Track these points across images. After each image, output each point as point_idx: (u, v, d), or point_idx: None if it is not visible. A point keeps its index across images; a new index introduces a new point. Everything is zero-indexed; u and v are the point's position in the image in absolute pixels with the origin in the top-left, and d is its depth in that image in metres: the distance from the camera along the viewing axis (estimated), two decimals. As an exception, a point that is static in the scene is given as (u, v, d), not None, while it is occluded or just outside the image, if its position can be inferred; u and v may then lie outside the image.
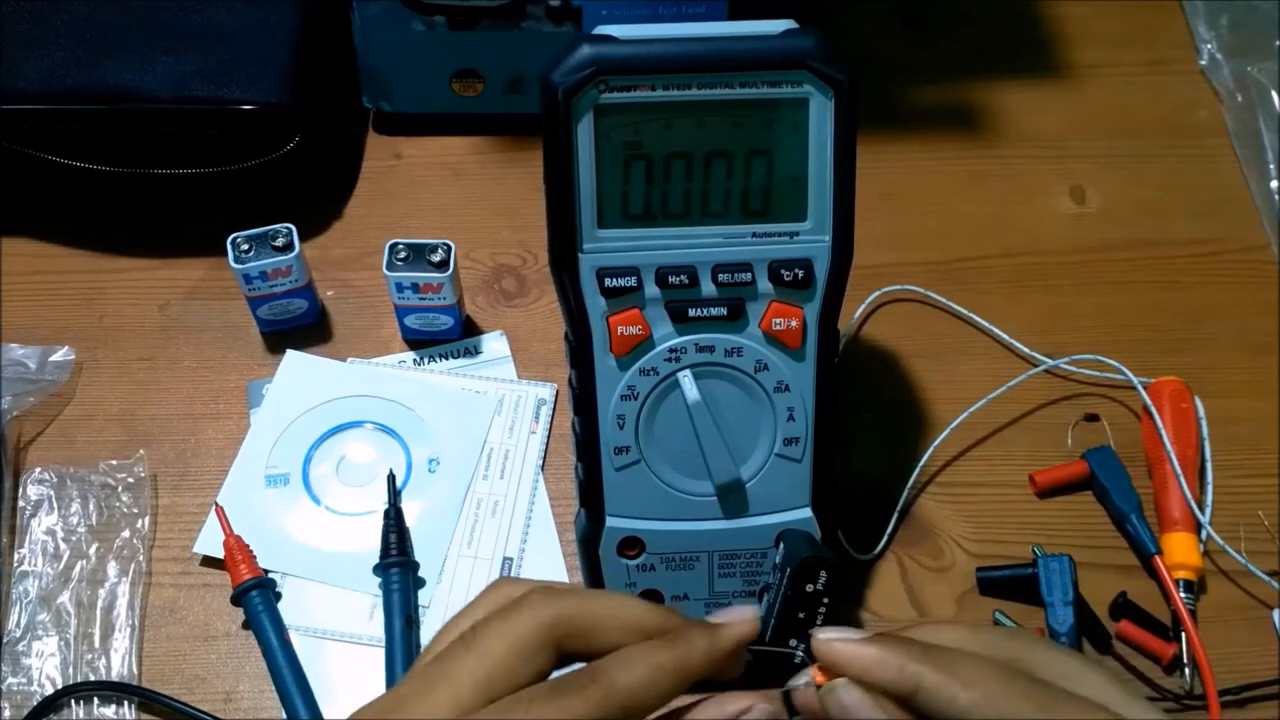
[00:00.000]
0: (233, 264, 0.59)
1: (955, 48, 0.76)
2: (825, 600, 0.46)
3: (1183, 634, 0.54)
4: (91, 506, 0.58)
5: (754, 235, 0.48)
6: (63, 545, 0.57)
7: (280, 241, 0.59)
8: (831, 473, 0.51)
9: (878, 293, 0.65)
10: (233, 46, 0.64)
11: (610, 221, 0.48)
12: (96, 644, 0.54)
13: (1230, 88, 0.73)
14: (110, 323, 0.64)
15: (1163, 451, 0.57)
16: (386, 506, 0.57)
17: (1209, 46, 0.75)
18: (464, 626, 0.38)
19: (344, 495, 0.58)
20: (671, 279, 0.48)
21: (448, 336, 0.63)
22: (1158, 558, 0.55)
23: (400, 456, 0.59)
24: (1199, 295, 0.66)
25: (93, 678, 0.53)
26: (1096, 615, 0.54)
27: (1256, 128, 0.71)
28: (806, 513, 0.51)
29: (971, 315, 0.64)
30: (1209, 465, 0.59)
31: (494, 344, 0.64)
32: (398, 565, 0.55)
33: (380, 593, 0.55)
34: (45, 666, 0.53)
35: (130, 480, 0.58)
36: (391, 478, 0.58)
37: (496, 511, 0.58)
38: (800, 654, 0.46)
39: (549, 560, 0.57)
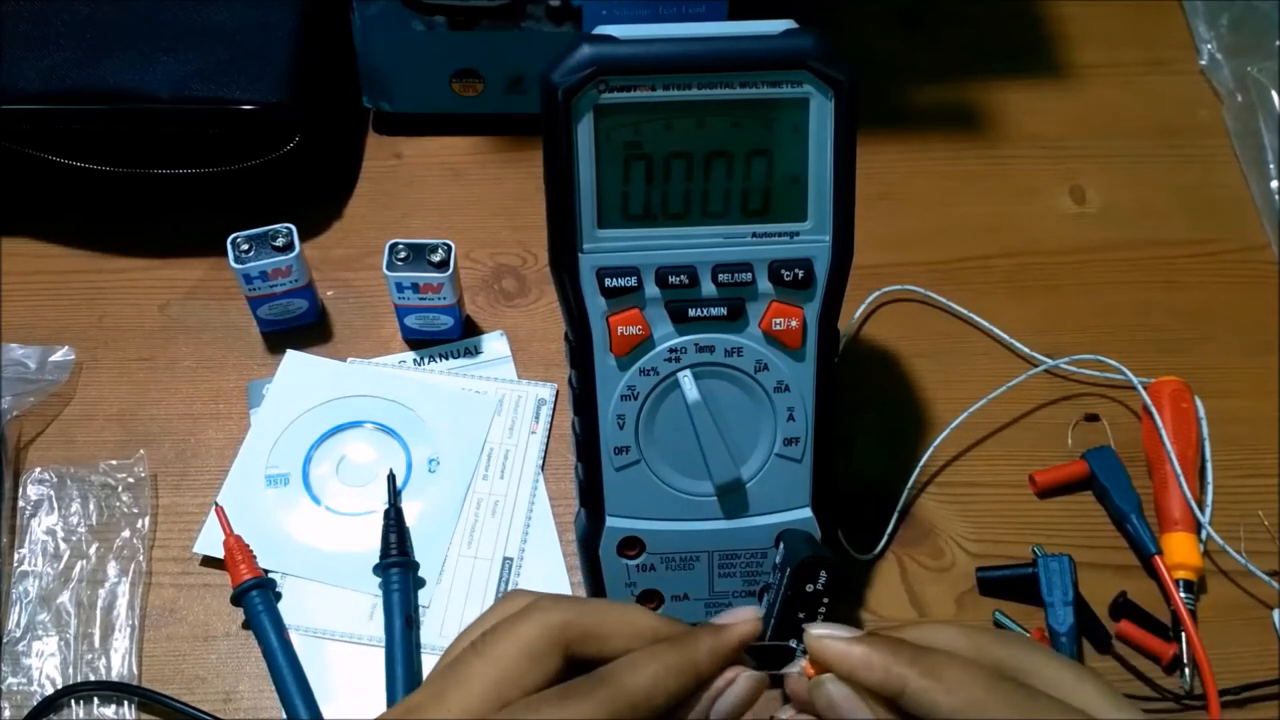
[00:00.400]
0: (233, 264, 0.59)
1: (955, 48, 0.76)
2: (825, 600, 0.46)
3: (1183, 634, 0.54)
4: (91, 506, 0.58)
5: (754, 235, 0.48)
6: (63, 545, 0.57)
7: (280, 241, 0.59)
8: (831, 473, 0.51)
9: (878, 293, 0.65)
10: (233, 46, 0.64)
11: (610, 221, 0.48)
12: (96, 644, 0.54)
13: (1230, 88, 0.73)
14: (110, 323, 0.64)
15: (1163, 451, 0.57)
16: (386, 506, 0.57)
17: (1209, 46, 0.75)
18: (476, 636, 0.39)
19: (344, 495, 0.58)
20: (671, 279, 0.48)
21: (448, 336, 0.63)
22: (1158, 558, 0.55)
23: (400, 456, 0.59)
24: (1199, 295, 0.66)
25: (93, 678, 0.53)
26: (1096, 615, 0.54)
27: (1256, 128, 0.71)
28: (806, 513, 0.51)
29: (971, 315, 0.64)
30: (1209, 465, 0.59)
31: (494, 344, 0.64)
32: (398, 565, 0.55)
33: (380, 593, 0.55)
34: (45, 666, 0.53)
35: (130, 480, 0.58)
36: (391, 478, 0.58)
37: (496, 511, 0.58)
38: (800, 654, 0.46)
39: (549, 560, 0.57)
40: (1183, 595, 0.54)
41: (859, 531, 0.57)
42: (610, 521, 0.51)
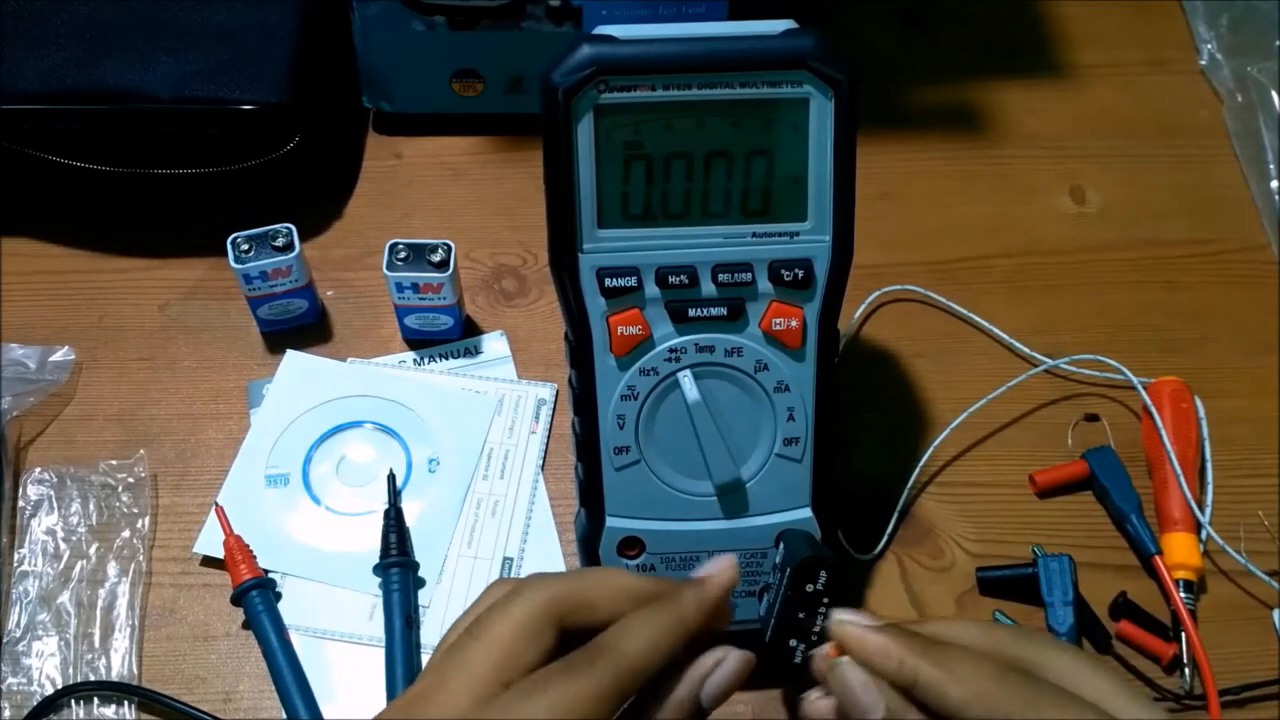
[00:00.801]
0: (233, 264, 0.59)
1: (955, 48, 0.76)
2: (825, 600, 0.46)
3: (1183, 634, 0.54)
4: (91, 506, 0.58)
5: (754, 235, 0.48)
6: (63, 545, 0.57)
7: (280, 241, 0.59)
8: (831, 473, 0.51)
9: (878, 293, 0.65)
10: (233, 46, 0.64)
11: (610, 221, 0.48)
12: (96, 644, 0.54)
13: (1230, 88, 0.73)
14: (110, 323, 0.64)
15: (1163, 451, 0.57)
16: (386, 506, 0.57)
17: (1209, 46, 0.75)
18: (467, 625, 0.39)
19: (344, 495, 0.58)
20: (671, 279, 0.48)
21: (448, 336, 0.63)
22: (1158, 558, 0.55)
23: (400, 456, 0.59)
24: (1199, 295, 0.66)
25: (93, 678, 0.53)
26: (1096, 615, 0.54)
27: (1256, 128, 0.71)
28: (806, 513, 0.51)
29: (971, 315, 0.64)
30: (1209, 465, 0.59)
31: (494, 344, 0.64)
32: (398, 565, 0.55)
33: (380, 593, 0.55)
34: (45, 666, 0.53)
35: (130, 480, 0.58)
36: (391, 477, 0.58)
37: (496, 511, 0.58)
38: (800, 653, 0.46)
39: (549, 560, 0.57)
40: (1183, 595, 0.54)
41: (859, 531, 0.57)
42: (610, 521, 0.51)
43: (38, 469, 0.59)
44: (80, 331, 0.63)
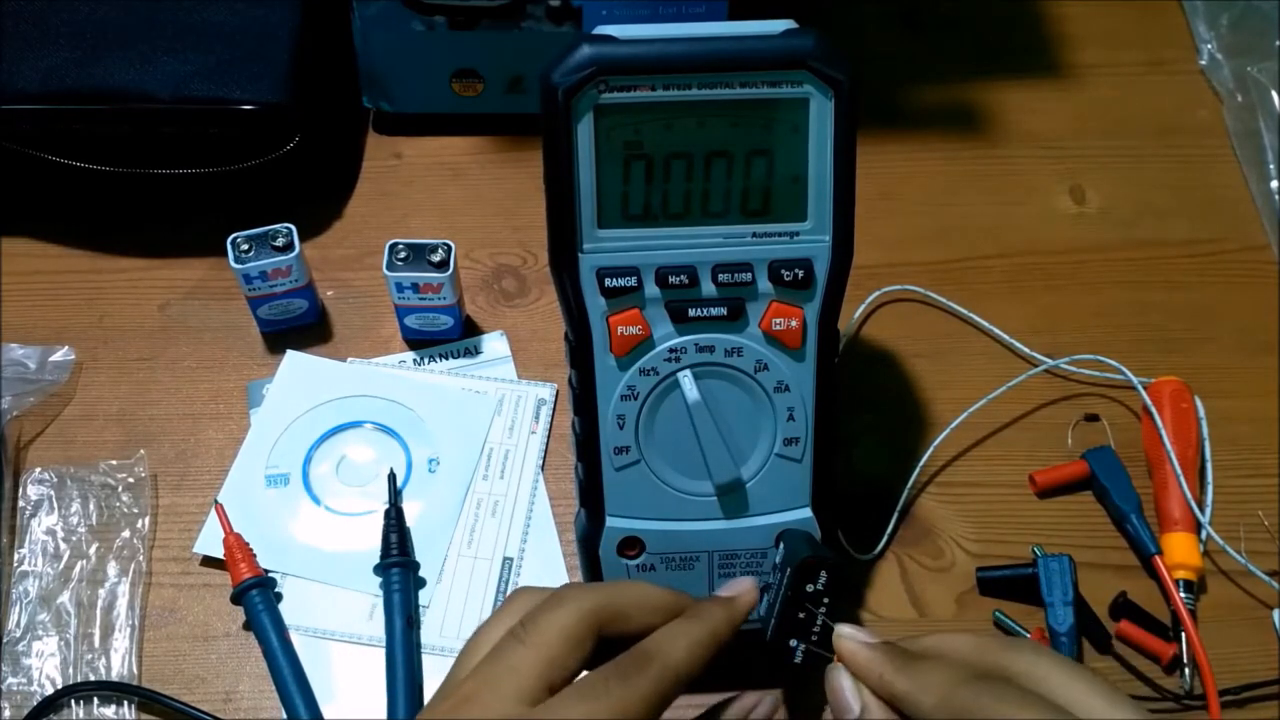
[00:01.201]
0: (233, 264, 0.59)
1: (955, 48, 0.76)
2: (825, 600, 0.46)
3: (1183, 634, 0.54)
4: (91, 506, 0.58)
5: (754, 235, 0.48)
6: (63, 545, 0.57)
7: (280, 241, 0.59)
8: (831, 473, 0.51)
9: (878, 293, 0.65)
10: (233, 46, 0.64)
11: (610, 221, 0.48)
12: (96, 644, 0.54)
13: (1230, 88, 0.73)
14: (110, 323, 0.64)
15: (1163, 451, 0.57)
16: (387, 506, 0.57)
17: (1209, 46, 0.75)
18: (495, 635, 0.42)
19: (344, 495, 0.58)
20: (671, 279, 0.48)
21: (448, 336, 0.63)
22: (1158, 558, 0.55)
23: (400, 456, 0.59)
24: (1199, 295, 0.66)
25: (93, 678, 0.53)
26: (1096, 615, 0.54)
27: (1256, 128, 0.71)
28: (806, 513, 0.51)
29: (971, 315, 0.64)
30: (1209, 465, 0.59)
31: (494, 344, 0.64)
32: (398, 565, 0.55)
33: (380, 593, 0.55)
34: (45, 666, 0.53)
35: (130, 480, 0.58)
36: (392, 477, 0.58)
37: (496, 511, 0.58)
38: (800, 653, 0.46)
39: (549, 560, 0.57)
40: (1183, 595, 0.54)
41: (859, 531, 0.57)
42: (610, 521, 0.51)
43: (38, 469, 0.59)
44: (80, 331, 0.63)
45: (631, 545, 0.51)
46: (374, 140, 0.72)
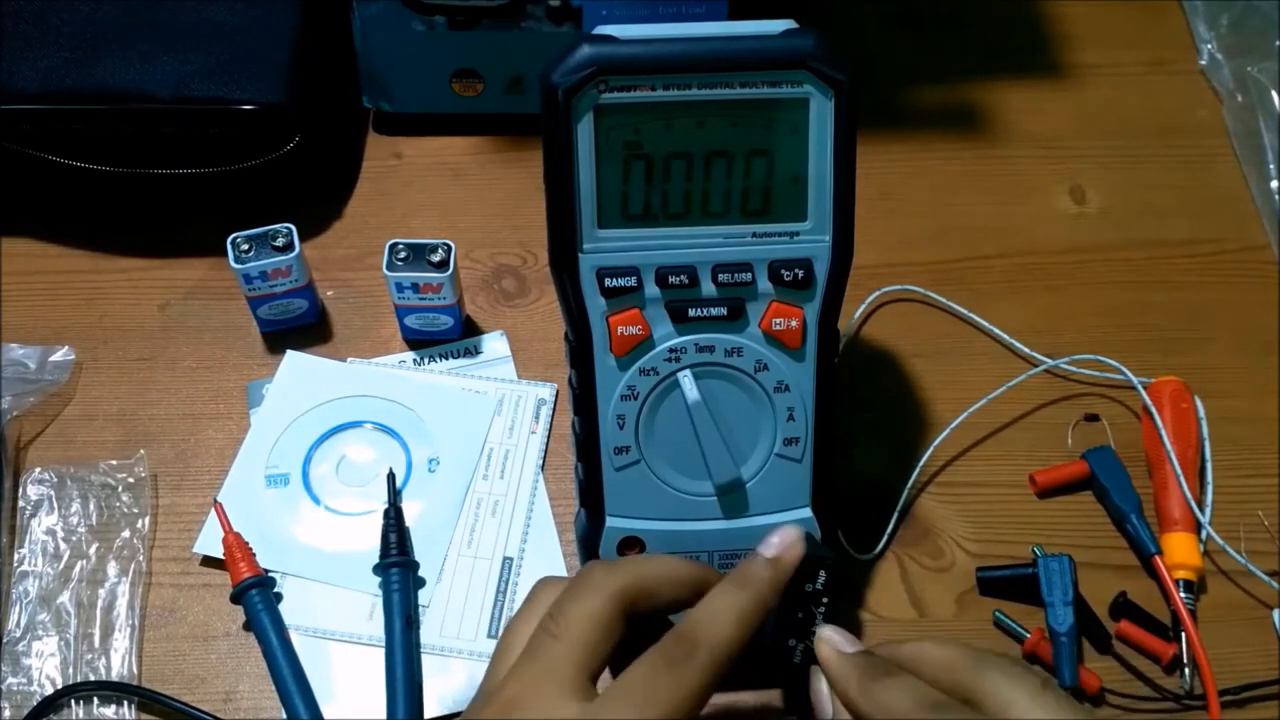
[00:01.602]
0: (233, 264, 0.59)
1: (955, 48, 0.76)
2: (825, 600, 0.46)
3: (1183, 634, 0.54)
4: (91, 506, 0.58)
5: (754, 235, 0.48)
6: (63, 545, 0.57)
7: (280, 241, 0.59)
8: (831, 473, 0.52)
9: (878, 293, 0.65)
10: (233, 46, 0.64)
11: (610, 221, 0.48)
12: (96, 644, 0.54)
13: (1230, 88, 0.73)
14: (110, 323, 0.64)
15: (1163, 451, 0.57)
16: (386, 506, 0.57)
17: (1209, 46, 0.75)
18: (526, 631, 0.42)
19: (344, 495, 0.58)
20: (671, 279, 0.48)
21: (448, 336, 0.63)
22: (1158, 558, 0.55)
23: (400, 456, 0.59)
24: (1199, 295, 0.66)
25: (93, 678, 0.53)
26: (1096, 615, 0.54)
27: (1256, 128, 0.71)
28: (806, 513, 0.51)
29: (971, 315, 0.64)
30: (1209, 465, 0.59)
31: (494, 344, 0.64)
32: (398, 565, 0.55)
33: (380, 593, 0.55)
34: (45, 666, 0.53)
35: (130, 480, 0.58)
36: (391, 477, 0.58)
37: (496, 511, 0.58)
38: (800, 653, 0.46)
39: (549, 560, 0.57)
40: (1183, 595, 0.54)
41: (859, 531, 0.57)
42: (610, 521, 0.51)
43: (38, 469, 0.59)
44: (80, 331, 0.63)
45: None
46: (374, 140, 0.71)
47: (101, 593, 0.55)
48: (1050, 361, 0.61)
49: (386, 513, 0.56)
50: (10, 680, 0.53)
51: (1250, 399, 0.62)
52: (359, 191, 0.70)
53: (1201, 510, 0.57)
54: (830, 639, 0.44)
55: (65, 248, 0.67)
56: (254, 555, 0.55)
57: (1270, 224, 0.68)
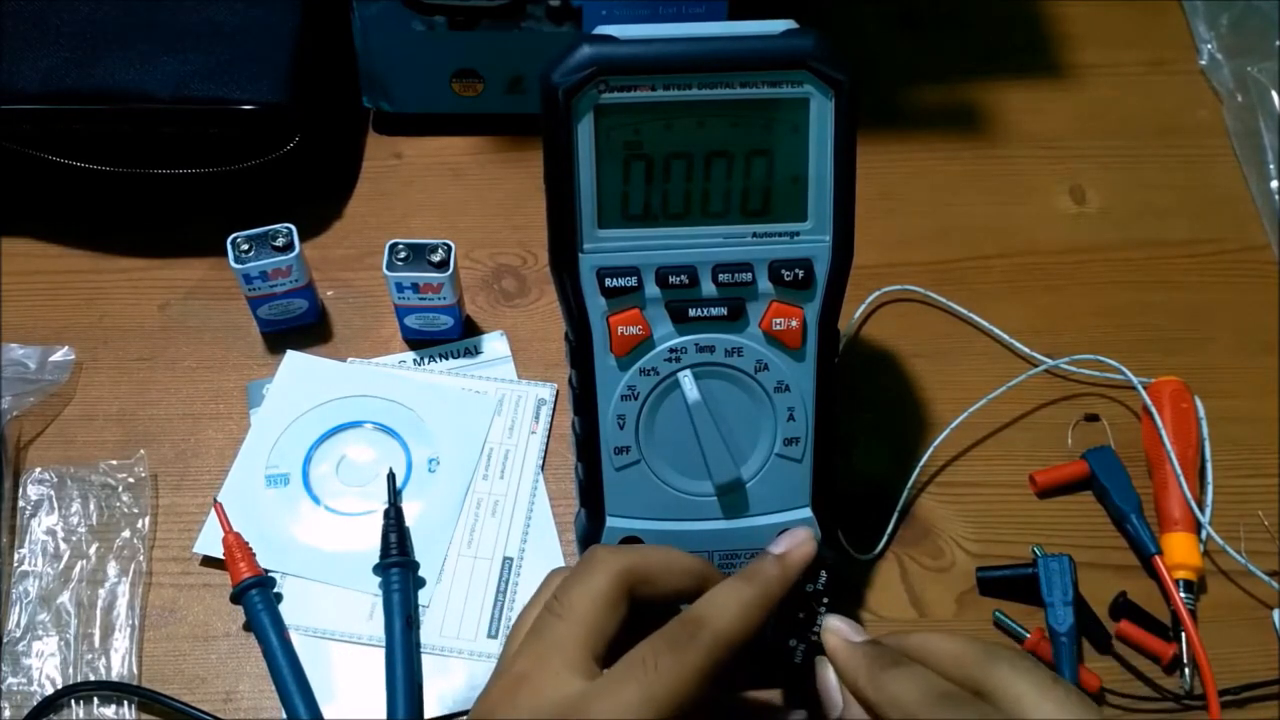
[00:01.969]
0: (233, 264, 0.59)
1: (955, 48, 0.76)
2: (825, 600, 0.46)
3: (1183, 634, 0.54)
4: (91, 506, 0.58)
5: (754, 235, 0.48)
6: (63, 545, 0.57)
7: (280, 241, 0.59)
8: (831, 473, 0.51)
9: (878, 293, 0.65)
10: (233, 46, 0.64)
11: (610, 221, 0.48)
12: (96, 644, 0.54)
13: (1230, 88, 0.73)
14: (110, 323, 0.64)
15: (1163, 451, 0.57)
16: (386, 506, 0.57)
17: (1209, 46, 0.75)
18: (534, 615, 0.42)
19: (344, 495, 0.58)
20: (672, 279, 0.48)
21: (448, 336, 0.63)
22: (1158, 558, 0.55)
23: (400, 456, 0.59)
24: (1199, 295, 0.66)
25: (93, 678, 0.53)
26: (1096, 615, 0.54)
27: (1256, 128, 0.71)
28: (806, 513, 0.51)
29: (971, 315, 0.64)
30: (1209, 465, 0.59)
31: (494, 344, 0.64)
32: (398, 565, 0.55)
33: (380, 593, 0.55)
34: (45, 666, 0.53)
35: (130, 480, 0.58)
36: (391, 477, 0.58)
37: (496, 511, 0.58)
38: (800, 653, 0.46)
39: (549, 560, 0.57)
40: (1183, 595, 0.54)
41: (859, 531, 0.57)
42: (610, 521, 0.51)
43: (38, 469, 0.59)
44: (80, 331, 0.63)
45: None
46: (374, 140, 0.71)
47: (101, 593, 0.55)
48: (1050, 361, 0.61)
49: (386, 513, 0.56)
50: (10, 680, 0.53)
51: (1250, 399, 0.62)
52: (359, 191, 0.70)
53: (1201, 510, 0.57)
54: (838, 629, 0.45)
55: (65, 248, 0.67)
56: (254, 555, 0.55)
57: (1270, 224, 0.68)
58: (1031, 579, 0.55)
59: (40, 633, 0.54)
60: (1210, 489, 0.58)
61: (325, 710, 0.52)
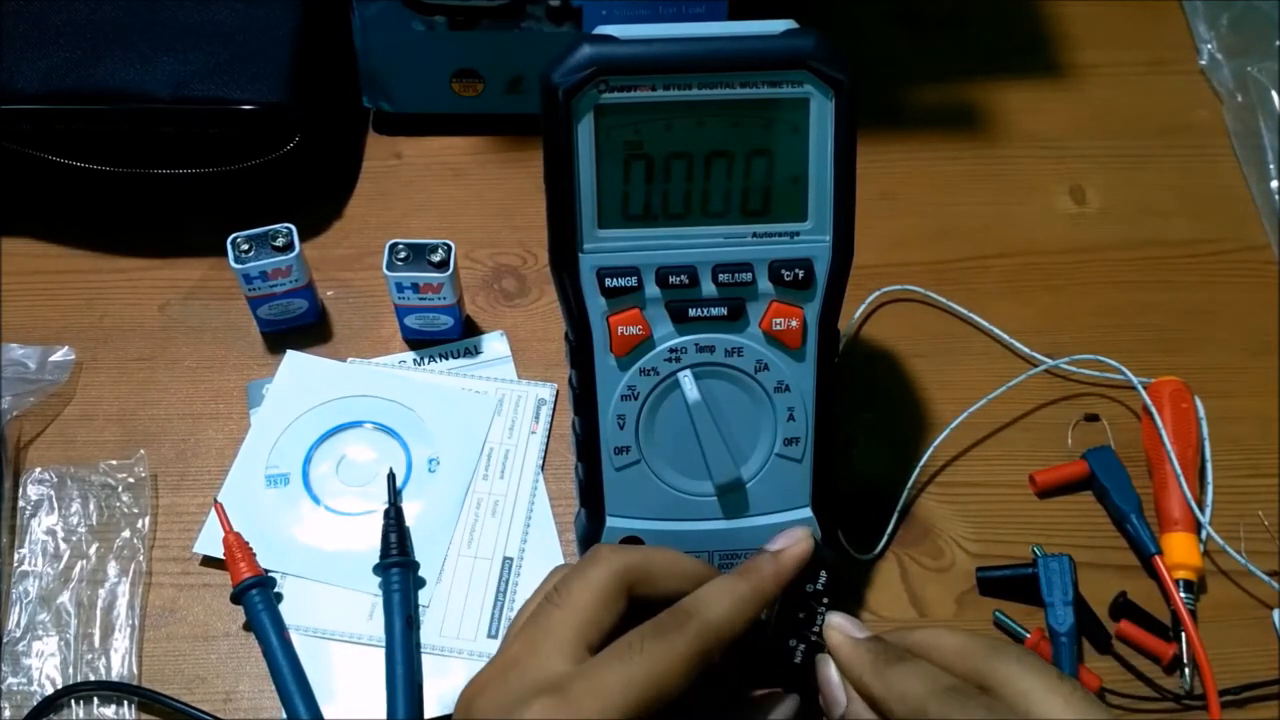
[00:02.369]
0: (233, 264, 0.59)
1: (955, 48, 0.76)
2: (825, 600, 0.46)
3: (1183, 634, 0.54)
4: (91, 506, 0.58)
5: (754, 235, 0.48)
6: (63, 545, 0.57)
7: (280, 241, 0.59)
8: (831, 473, 0.51)
9: (878, 293, 0.65)
10: (233, 46, 0.64)
11: (610, 221, 0.48)
12: (96, 644, 0.54)
13: (1230, 88, 0.73)
14: (110, 323, 0.64)
15: (1163, 451, 0.57)
16: (386, 506, 0.57)
17: (1209, 46, 0.75)
18: (535, 605, 0.43)
19: (344, 495, 0.58)
20: (672, 279, 0.48)
21: (448, 336, 0.63)
22: (1158, 558, 0.55)
23: (400, 456, 0.59)
24: (1199, 295, 0.66)
25: (93, 678, 0.53)
26: (1096, 615, 0.54)
27: (1256, 128, 0.71)
28: (806, 513, 0.51)
29: (971, 315, 0.64)
30: (1209, 465, 0.59)
31: (494, 344, 0.64)
32: (398, 565, 0.55)
33: (380, 593, 0.55)
34: (45, 666, 0.53)
35: (130, 480, 0.58)
36: (391, 477, 0.58)
37: (496, 511, 0.58)
38: (800, 653, 0.46)
39: (549, 560, 0.57)
40: (1183, 595, 0.54)
41: (859, 531, 0.57)
42: (610, 521, 0.51)
43: (38, 469, 0.59)
44: (80, 331, 0.63)
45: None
46: (374, 140, 0.71)
47: (101, 593, 0.55)
48: (1050, 361, 0.61)
49: (386, 513, 0.56)
50: (10, 680, 0.53)
51: (1250, 399, 0.62)
52: (359, 191, 0.70)
53: (1201, 510, 0.57)
54: (841, 626, 0.45)
55: (65, 248, 0.67)
56: (254, 555, 0.55)
57: (1270, 224, 0.68)
58: (1031, 579, 0.55)
59: (40, 633, 0.54)
60: (1210, 489, 0.58)
61: (325, 710, 0.52)
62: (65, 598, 0.55)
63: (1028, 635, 0.54)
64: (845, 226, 0.48)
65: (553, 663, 0.40)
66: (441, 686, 0.53)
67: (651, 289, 0.48)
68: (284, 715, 0.53)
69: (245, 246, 0.59)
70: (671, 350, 0.49)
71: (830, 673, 0.44)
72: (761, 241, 0.48)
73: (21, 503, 0.58)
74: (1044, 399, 0.62)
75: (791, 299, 0.49)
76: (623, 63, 0.46)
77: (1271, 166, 0.69)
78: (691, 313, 0.49)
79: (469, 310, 0.64)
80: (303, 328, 0.64)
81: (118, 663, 0.54)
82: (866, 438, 0.60)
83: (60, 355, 0.61)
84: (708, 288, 0.49)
